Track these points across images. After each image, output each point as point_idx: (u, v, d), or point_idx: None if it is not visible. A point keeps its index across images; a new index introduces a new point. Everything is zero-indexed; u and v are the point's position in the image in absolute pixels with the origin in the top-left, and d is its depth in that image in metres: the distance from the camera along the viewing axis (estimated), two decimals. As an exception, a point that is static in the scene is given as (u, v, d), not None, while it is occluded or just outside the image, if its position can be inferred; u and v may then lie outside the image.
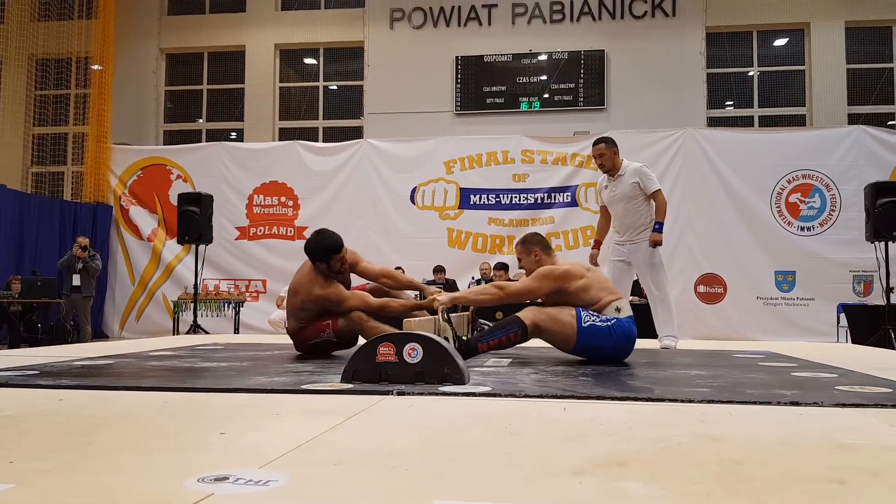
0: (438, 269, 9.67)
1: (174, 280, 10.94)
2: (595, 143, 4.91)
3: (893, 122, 11.83)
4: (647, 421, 1.88)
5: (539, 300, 3.59)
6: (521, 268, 3.71)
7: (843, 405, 2.09)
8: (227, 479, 1.25)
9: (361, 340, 3.64)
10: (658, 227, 4.70)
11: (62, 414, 1.99)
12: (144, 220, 11.27)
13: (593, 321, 3.31)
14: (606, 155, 4.79)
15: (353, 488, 1.23)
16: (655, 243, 4.69)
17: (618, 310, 3.38)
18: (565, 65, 12.08)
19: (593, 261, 4.88)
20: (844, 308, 8.46)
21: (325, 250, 3.78)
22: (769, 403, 2.14)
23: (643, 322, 5.20)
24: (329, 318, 3.74)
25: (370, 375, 2.50)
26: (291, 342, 3.93)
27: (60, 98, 12.40)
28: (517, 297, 3.57)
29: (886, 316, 6.91)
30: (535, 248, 3.61)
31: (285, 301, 4.01)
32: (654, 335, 4.88)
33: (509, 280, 8.69)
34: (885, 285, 7.02)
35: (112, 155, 11.51)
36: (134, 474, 1.32)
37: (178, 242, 9.02)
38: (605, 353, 3.37)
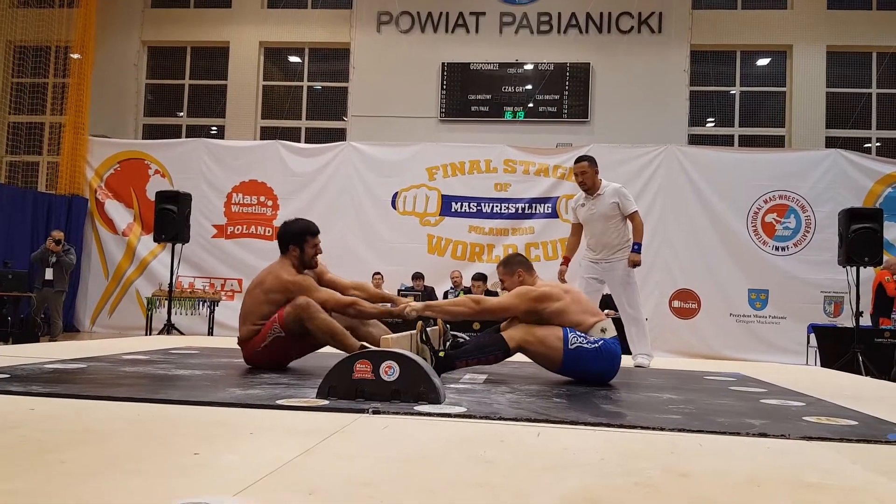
0: (417, 276, 9.67)
1: (148, 276, 10.81)
2: (578, 161, 4.93)
3: (870, 146, 12.07)
4: (619, 451, 1.90)
5: (516, 318, 3.55)
6: (503, 289, 3.65)
7: (810, 438, 2.13)
8: (201, 506, 1.25)
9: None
10: (637, 248, 4.76)
11: (33, 426, 1.97)
12: (120, 214, 11.14)
13: (581, 343, 3.31)
14: (588, 173, 4.83)
15: (328, 522, 1.23)
16: (635, 263, 4.75)
17: (603, 330, 3.38)
18: (551, 76, 12.16)
19: (561, 277, 4.91)
20: (815, 329, 8.59)
21: (301, 232, 3.59)
22: (738, 434, 2.17)
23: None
24: (277, 311, 3.47)
25: (346, 392, 2.50)
26: None
27: (38, 86, 12.19)
28: (492, 313, 3.52)
29: (855, 338, 7.04)
30: (517, 268, 3.58)
31: (242, 303, 3.63)
32: (626, 351, 4.93)
33: (487, 291, 8.71)
34: (854, 309, 7.15)
35: (89, 147, 11.35)
36: (108, 499, 1.31)
37: (155, 241, 8.93)
38: (590, 375, 3.38)
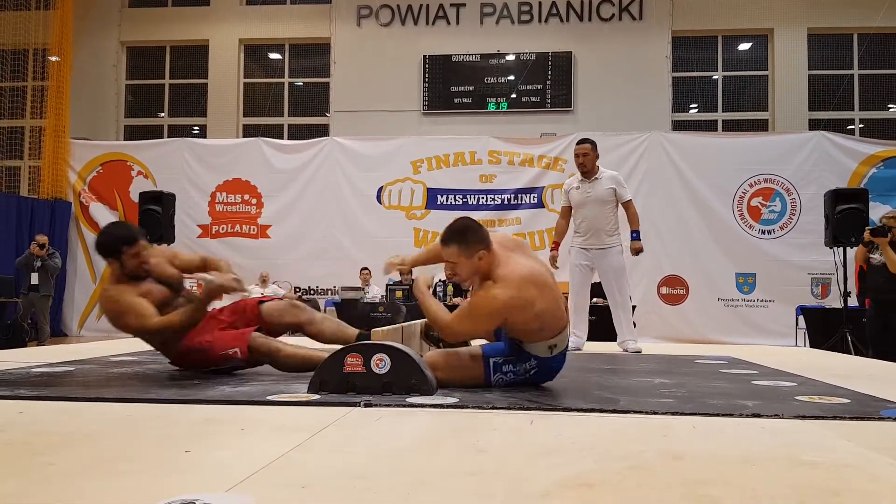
0: (405, 270, 9.62)
1: (135, 278, 10.71)
2: (581, 142, 4.96)
3: (853, 128, 12.14)
4: (613, 436, 1.89)
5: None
6: (451, 273, 2.69)
7: (804, 417, 2.14)
8: (194, 503, 1.23)
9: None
10: (636, 236, 4.84)
11: (22, 429, 1.94)
12: (105, 216, 11.00)
13: (503, 377, 2.71)
14: (590, 156, 4.86)
15: (322, 515, 1.22)
16: (637, 251, 4.82)
17: (551, 347, 2.70)
18: (533, 66, 12.14)
19: (554, 263, 4.91)
20: (803, 310, 8.65)
21: (113, 243, 3.17)
22: (731, 416, 2.18)
23: (604, 324, 5.29)
24: (236, 344, 3.09)
25: (337, 386, 2.49)
26: None
27: (17, 90, 12.03)
28: (454, 338, 2.84)
29: (843, 319, 7.08)
30: (479, 248, 2.59)
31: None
32: (613, 337, 4.96)
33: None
34: (842, 289, 7.19)
35: (71, 150, 11.21)
36: (99, 499, 1.29)
37: (140, 241, 8.85)
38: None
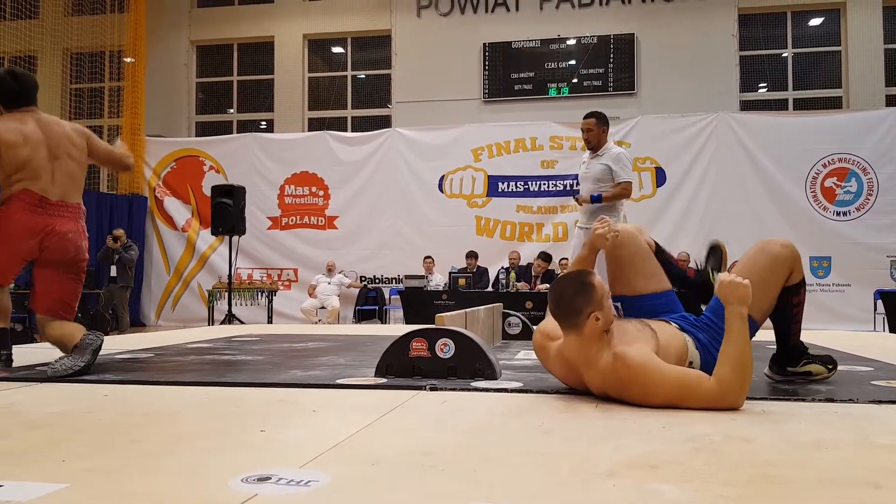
0: (471, 255, 9.67)
1: (209, 269, 11.13)
2: (586, 117, 4.72)
3: (933, 103, 11.51)
4: (680, 420, 1.88)
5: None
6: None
7: (879, 402, 2.08)
8: (270, 479, 1.30)
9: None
10: (595, 197, 4.56)
11: (108, 410, 2.06)
12: (179, 210, 11.47)
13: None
14: (594, 131, 4.64)
15: (392, 489, 1.26)
16: (580, 201, 4.67)
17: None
18: (594, 49, 11.94)
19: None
20: (881, 295, 8.31)
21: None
22: (803, 400, 2.14)
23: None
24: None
25: (403, 370, 2.55)
26: (322, 332, 3.80)
27: (95, 91, 12.62)
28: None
29: (926, 303, 6.78)
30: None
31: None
32: None
33: (547, 269, 8.61)
34: (924, 272, 6.88)
35: (146, 147, 11.70)
36: (180, 475, 1.37)
37: (213, 234, 9.18)
38: None
